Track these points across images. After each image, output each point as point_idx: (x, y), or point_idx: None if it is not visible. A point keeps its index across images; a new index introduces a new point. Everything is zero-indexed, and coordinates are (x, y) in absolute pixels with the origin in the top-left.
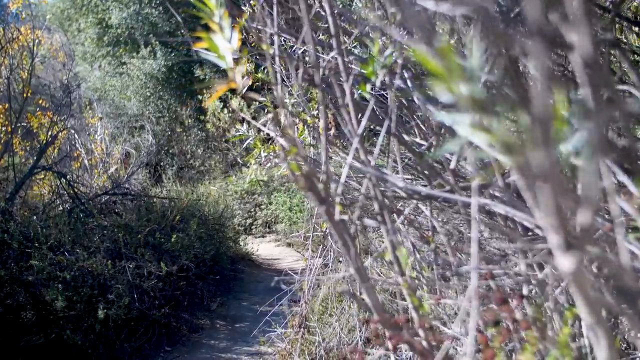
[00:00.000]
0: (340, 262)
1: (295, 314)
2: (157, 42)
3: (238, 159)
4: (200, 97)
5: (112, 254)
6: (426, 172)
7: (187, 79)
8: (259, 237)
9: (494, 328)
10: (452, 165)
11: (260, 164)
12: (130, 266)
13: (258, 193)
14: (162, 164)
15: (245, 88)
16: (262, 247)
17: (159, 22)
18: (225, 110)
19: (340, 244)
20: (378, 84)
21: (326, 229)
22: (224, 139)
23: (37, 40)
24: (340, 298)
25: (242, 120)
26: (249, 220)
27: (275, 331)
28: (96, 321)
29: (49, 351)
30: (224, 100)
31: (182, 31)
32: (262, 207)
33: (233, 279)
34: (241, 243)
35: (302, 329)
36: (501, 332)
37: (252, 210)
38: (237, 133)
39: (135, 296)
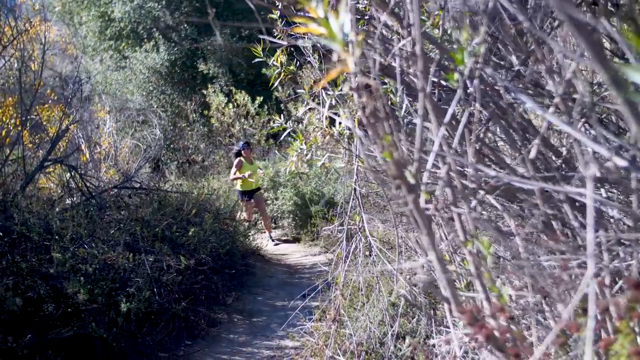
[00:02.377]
0: (368, 256)
1: (328, 307)
2: (160, 36)
3: (276, 151)
4: (204, 92)
5: (129, 248)
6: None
7: (189, 73)
8: (264, 232)
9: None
10: (532, 155)
11: (300, 156)
12: (150, 259)
13: (264, 188)
14: (163, 158)
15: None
16: (268, 242)
17: (161, 15)
18: (230, 105)
19: (425, 233)
20: (467, 72)
21: (359, 222)
22: (228, 134)
23: (47, 33)
24: (369, 292)
25: (280, 112)
26: (254, 215)
27: (304, 325)
28: (119, 314)
29: (73, 344)
30: (228, 95)
31: (185, 25)
32: (268, 202)
33: (245, 274)
34: (250, 238)
35: (335, 323)
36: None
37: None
38: (275, 125)
39: (155, 290)
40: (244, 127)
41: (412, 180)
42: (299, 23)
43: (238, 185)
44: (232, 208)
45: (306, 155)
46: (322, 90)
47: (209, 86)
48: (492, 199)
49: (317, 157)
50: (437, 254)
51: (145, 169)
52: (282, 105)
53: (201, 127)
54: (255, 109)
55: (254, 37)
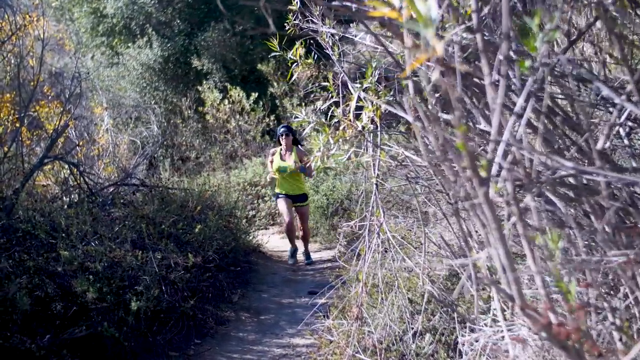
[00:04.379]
0: (387, 251)
1: (347, 304)
2: (154, 32)
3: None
4: (199, 88)
5: (136, 245)
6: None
7: (183, 69)
8: (262, 228)
9: None
10: (600, 146)
11: (326, 151)
12: (158, 257)
13: (261, 185)
14: (155, 155)
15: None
16: (267, 239)
17: (154, 11)
18: (226, 101)
19: (494, 227)
20: (539, 59)
21: (378, 217)
22: (224, 130)
23: (45, 28)
24: (388, 288)
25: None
26: (251, 212)
27: (317, 323)
28: (128, 313)
29: (86, 344)
30: (222, 91)
31: (179, 21)
32: (266, 198)
33: (249, 271)
34: (252, 235)
35: (358, 320)
36: None
37: (255, 201)
38: (297, 119)
39: (163, 288)
40: (240, 123)
41: (484, 174)
42: (372, 7)
43: (276, 187)
44: (233, 205)
45: (331, 150)
46: (343, 85)
47: (203, 82)
48: (548, 191)
49: (342, 151)
50: (506, 249)
51: (142, 165)
52: (276, 101)
53: (195, 123)
54: (250, 105)
55: (248, 33)
